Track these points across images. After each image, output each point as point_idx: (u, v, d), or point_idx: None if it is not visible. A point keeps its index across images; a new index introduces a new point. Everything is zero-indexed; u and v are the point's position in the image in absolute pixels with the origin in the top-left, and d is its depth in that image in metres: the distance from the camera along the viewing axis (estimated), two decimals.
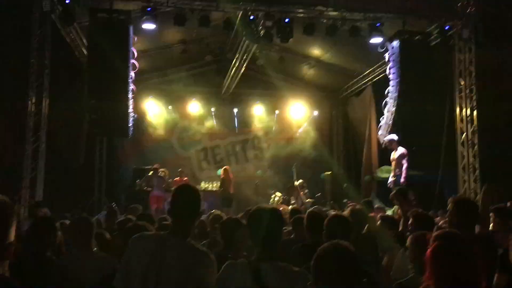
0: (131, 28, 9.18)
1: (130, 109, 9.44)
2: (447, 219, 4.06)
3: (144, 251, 2.60)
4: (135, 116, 10.23)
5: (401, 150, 10.39)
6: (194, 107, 15.49)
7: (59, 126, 11.12)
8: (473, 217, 3.76)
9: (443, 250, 2.11)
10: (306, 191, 12.96)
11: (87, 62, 9.50)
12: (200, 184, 14.17)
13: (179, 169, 13.84)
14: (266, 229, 2.69)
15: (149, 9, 9.14)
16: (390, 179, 10.42)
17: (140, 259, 2.57)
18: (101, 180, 14.22)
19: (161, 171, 12.98)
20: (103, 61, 8.73)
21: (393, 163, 10.63)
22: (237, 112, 15.75)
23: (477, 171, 10.38)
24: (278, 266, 2.62)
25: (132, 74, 9.40)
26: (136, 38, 9.49)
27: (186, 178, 13.35)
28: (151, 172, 12.67)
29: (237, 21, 10.21)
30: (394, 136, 10.21)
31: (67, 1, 8.83)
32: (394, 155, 10.59)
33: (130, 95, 9.33)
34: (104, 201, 13.12)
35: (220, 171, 13.41)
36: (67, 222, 6.23)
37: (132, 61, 9.39)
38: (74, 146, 12.41)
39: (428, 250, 2.14)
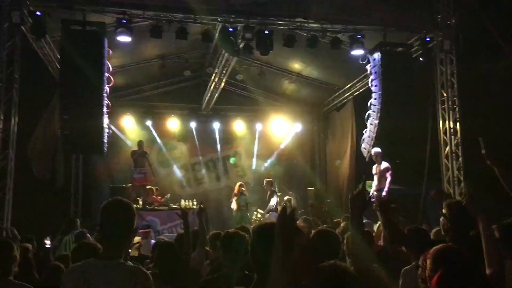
0: (105, 41, 8.86)
1: (105, 125, 9.05)
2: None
3: (73, 285, 2.34)
4: (110, 132, 9.84)
5: (385, 164, 10.26)
6: (173, 123, 15.16)
7: (33, 144, 10.68)
8: (468, 220, 3.52)
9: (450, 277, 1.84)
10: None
11: (59, 76, 9.13)
12: (180, 202, 13.75)
13: (156, 187, 13.48)
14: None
15: (124, 21, 8.85)
16: (373, 193, 10.26)
17: None
18: (77, 200, 13.71)
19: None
20: (76, 74, 8.35)
21: (376, 177, 10.46)
22: (217, 128, 15.45)
23: (462, 184, 10.23)
24: None
25: (107, 88, 9.04)
26: (111, 51, 9.14)
27: (159, 198, 13.11)
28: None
29: (216, 34, 9.99)
30: (379, 149, 10.11)
31: (38, 13, 8.48)
32: (378, 168, 10.43)
33: (105, 110, 8.95)
34: (81, 221, 12.57)
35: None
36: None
37: (107, 74, 9.03)
38: (49, 165, 11.90)
39: (434, 280, 1.86)
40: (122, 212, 2.47)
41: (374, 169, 10.42)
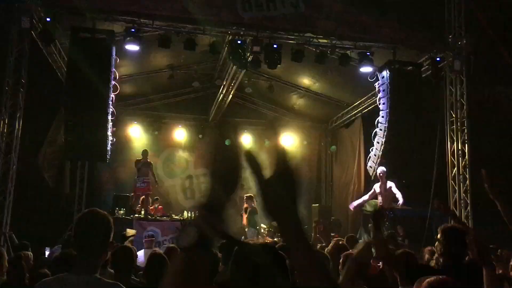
0: (113, 49, 8.88)
1: (109, 132, 9.03)
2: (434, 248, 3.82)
3: None
4: (114, 140, 9.81)
5: (390, 183, 10.14)
6: (180, 134, 15.14)
7: (43, 152, 10.67)
8: (462, 246, 3.55)
9: None
10: None
11: (65, 82, 9.15)
12: (183, 214, 13.68)
13: (155, 197, 13.40)
14: None
15: (132, 30, 8.87)
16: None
17: None
18: (80, 207, 13.67)
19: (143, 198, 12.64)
20: (83, 81, 8.37)
21: (381, 196, 10.30)
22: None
23: (469, 207, 10.03)
24: None
25: (112, 96, 9.03)
26: (118, 60, 9.16)
27: (160, 207, 13.04)
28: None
29: (225, 46, 9.98)
30: (385, 168, 10.00)
31: (47, 19, 8.52)
32: (383, 187, 10.27)
33: (109, 118, 8.94)
34: None
35: None
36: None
37: (114, 82, 9.04)
38: (57, 172, 11.90)
39: None
40: (99, 224, 2.34)
41: (378, 188, 10.26)
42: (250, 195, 12.41)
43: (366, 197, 10.84)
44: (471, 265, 3.36)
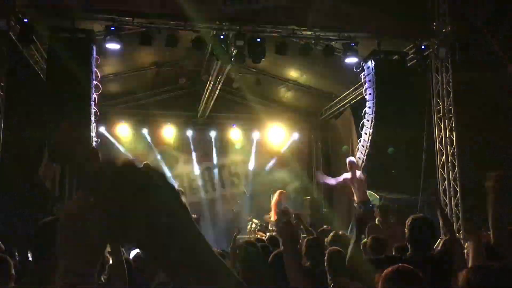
0: (94, 48, 8.75)
1: (93, 134, 8.92)
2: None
3: None
4: (98, 140, 9.70)
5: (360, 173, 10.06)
6: (169, 131, 15.01)
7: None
8: (427, 235, 3.64)
9: None
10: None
11: (46, 83, 9.02)
12: None
13: None
14: None
15: (112, 28, 8.73)
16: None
17: None
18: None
19: None
20: (63, 82, 8.27)
21: (355, 189, 10.14)
22: (213, 137, 15.30)
23: (458, 194, 10.02)
24: None
25: (95, 96, 8.92)
26: (99, 59, 9.04)
27: None
28: None
29: (209, 42, 9.88)
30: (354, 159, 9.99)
31: (25, 20, 8.38)
32: (354, 179, 10.09)
33: (92, 119, 8.82)
34: None
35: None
36: None
37: (95, 82, 8.91)
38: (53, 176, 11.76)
39: None
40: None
41: (349, 177, 10.01)
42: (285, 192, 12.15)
43: (333, 181, 10.68)
44: (438, 257, 3.35)
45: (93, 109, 8.87)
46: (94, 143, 9.00)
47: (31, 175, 10.41)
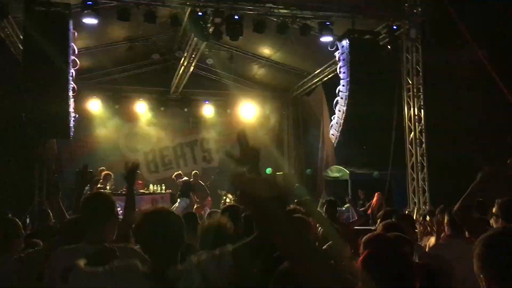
0: (70, 22, 8.63)
1: (71, 109, 8.87)
2: None
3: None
4: (76, 116, 9.64)
5: None
6: (142, 107, 14.96)
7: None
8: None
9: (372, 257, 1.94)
10: None
11: (22, 58, 8.84)
12: (148, 187, 13.69)
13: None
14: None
15: (89, 2, 8.62)
16: None
17: None
18: (41, 184, 13.40)
19: (106, 173, 12.40)
20: (40, 57, 8.12)
21: None
22: (186, 113, 15.34)
23: (425, 169, 10.54)
24: None
25: (72, 71, 8.83)
26: (76, 34, 8.92)
27: (140, 182, 12.91)
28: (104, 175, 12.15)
29: (185, 18, 9.86)
30: None
31: None
32: None
33: (70, 94, 8.76)
34: (46, 206, 12.36)
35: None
36: None
37: (73, 57, 8.82)
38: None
39: (359, 261, 1.96)
40: (102, 201, 2.83)
41: None
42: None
43: None
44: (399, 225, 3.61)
45: (71, 84, 8.80)
46: (72, 118, 8.95)
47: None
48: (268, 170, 13.39)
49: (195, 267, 2.09)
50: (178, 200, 12.86)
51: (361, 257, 1.94)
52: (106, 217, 2.77)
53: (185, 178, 13.39)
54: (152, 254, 2.15)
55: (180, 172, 13.77)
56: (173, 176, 13.61)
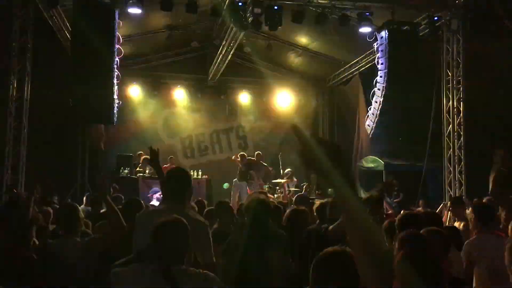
0: (116, 12, 8.94)
1: (115, 96, 9.22)
2: None
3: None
4: (120, 103, 10.01)
5: None
6: (180, 94, 15.29)
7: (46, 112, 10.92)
8: None
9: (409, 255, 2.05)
10: (295, 180, 12.98)
11: (70, 47, 9.23)
12: None
13: (170, 156, 13.58)
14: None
15: None
16: None
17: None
18: (83, 167, 13.96)
19: (144, 157, 12.80)
20: (87, 45, 8.47)
21: None
22: (222, 100, 15.59)
23: (462, 162, 10.46)
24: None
25: (117, 59, 9.17)
26: (121, 23, 9.23)
27: (174, 166, 13.23)
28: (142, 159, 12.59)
29: (225, 8, 10.03)
30: None
31: None
32: None
33: (114, 81, 9.11)
34: (88, 188, 12.91)
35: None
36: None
37: (117, 46, 9.15)
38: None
39: (397, 258, 2.06)
40: (182, 176, 3.53)
41: None
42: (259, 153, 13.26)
43: None
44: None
45: (116, 72, 9.14)
46: (116, 105, 9.31)
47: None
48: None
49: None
50: (234, 183, 12.92)
51: (398, 257, 2.05)
52: (187, 185, 3.48)
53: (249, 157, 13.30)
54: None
55: (243, 153, 13.55)
56: (234, 157, 13.45)
